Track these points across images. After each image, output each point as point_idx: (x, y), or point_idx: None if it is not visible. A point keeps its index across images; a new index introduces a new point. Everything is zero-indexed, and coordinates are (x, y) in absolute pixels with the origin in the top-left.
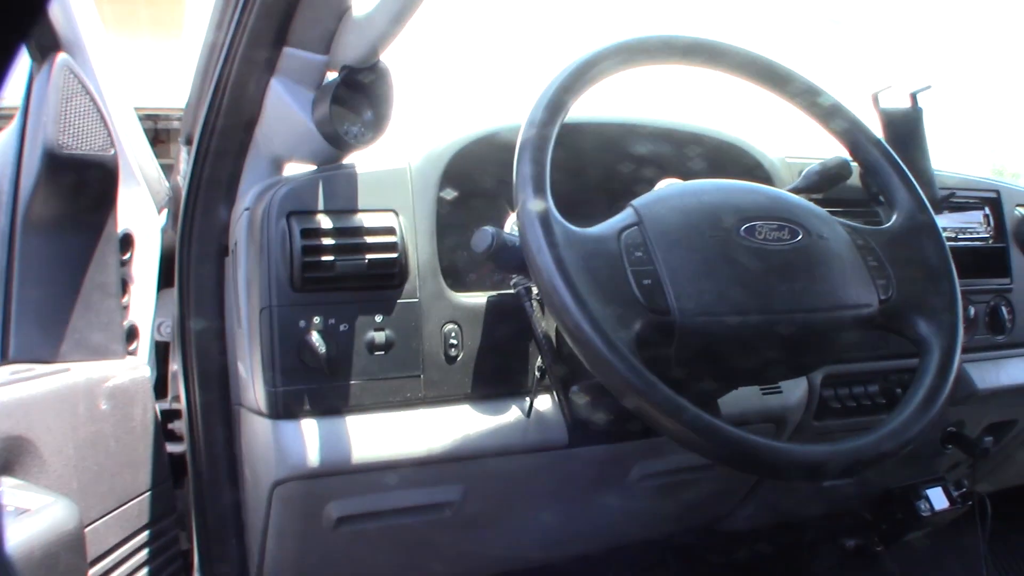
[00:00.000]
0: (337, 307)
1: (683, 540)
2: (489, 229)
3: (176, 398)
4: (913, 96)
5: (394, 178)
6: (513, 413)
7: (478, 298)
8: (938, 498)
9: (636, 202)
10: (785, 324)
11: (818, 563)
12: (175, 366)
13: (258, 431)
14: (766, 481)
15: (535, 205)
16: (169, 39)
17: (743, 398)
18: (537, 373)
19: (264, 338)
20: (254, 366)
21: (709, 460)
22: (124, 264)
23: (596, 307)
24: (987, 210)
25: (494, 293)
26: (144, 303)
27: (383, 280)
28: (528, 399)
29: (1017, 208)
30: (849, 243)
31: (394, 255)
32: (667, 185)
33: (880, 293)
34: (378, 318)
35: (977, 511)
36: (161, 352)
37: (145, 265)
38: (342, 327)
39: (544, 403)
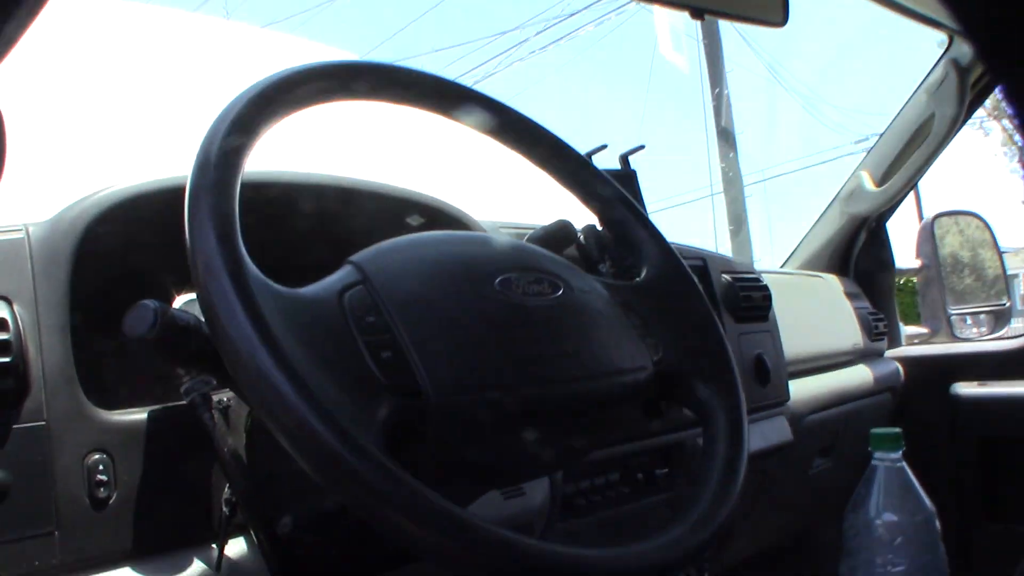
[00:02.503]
0: None
1: None
2: (150, 303)
3: None
4: (623, 157)
5: (4, 251)
6: (196, 570)
7: (135, 415)
8: None
9: (355, 258)
10: (560, 396)
11: None
12: None
13: None
14: None
15: (221, 256)
16: None
17: (482, 505)
18: (226, 509)
19: None
20: None
21: None
22: None
23: (321, 391)
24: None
25: (158, 407)
26: None
27: None
28: (215, 545)
29: (723, 275)
30: (608, 299)
31: (6, 359)
32: (391, 240)
33: (651, 354)
34: None
35: None
36: None
37: None
38: None
39: (238, 547)
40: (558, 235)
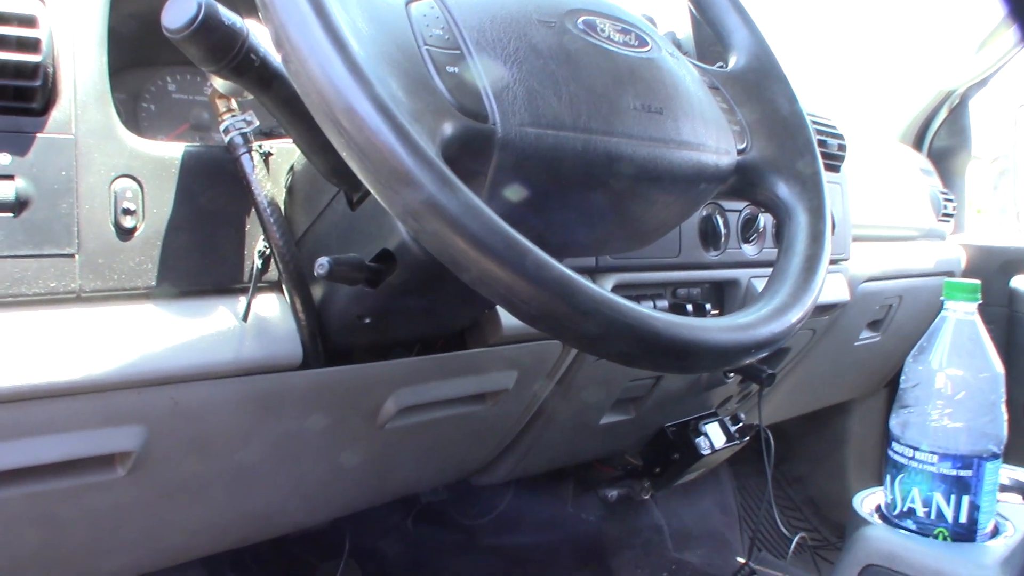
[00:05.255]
0: None
1: (431, 498)
2: None
3: None
4: None
5: None
6: (221, 318)
7: (170, 147)
8: (716, 434)
9: None
10: (636, 156)
11: (579, 518)
12: None
13: None
14: (537, 425)
15: None
16: None
17: None
18: (258, 261)
19: None
20: None
21: (572, 342)
22: None
23: (381, 84)
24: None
25: (196, 144)
26: None
27: (14, 98)
28: (244, 298)
29: None
30: (698, 77)
31: (35, 58)
32: None
33: (736, 142)
34: (3, 159)
35: (763, 444)
36: None
37: None
38: None
39: (267, 304)
40: None
